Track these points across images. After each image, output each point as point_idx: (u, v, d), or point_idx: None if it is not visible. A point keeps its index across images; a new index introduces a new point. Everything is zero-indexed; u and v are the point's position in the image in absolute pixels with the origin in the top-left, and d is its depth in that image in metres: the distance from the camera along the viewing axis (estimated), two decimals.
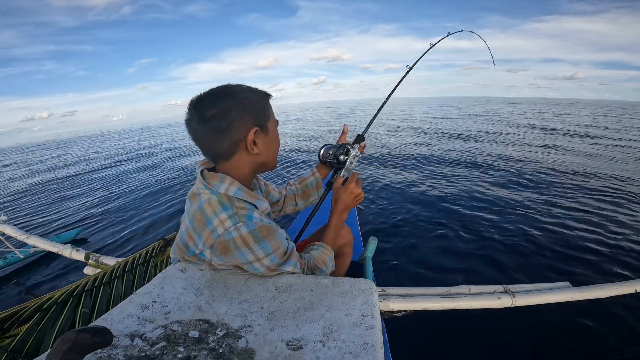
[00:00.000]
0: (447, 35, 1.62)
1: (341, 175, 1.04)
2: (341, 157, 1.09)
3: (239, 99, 0.75)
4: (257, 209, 0.80)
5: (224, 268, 0.78)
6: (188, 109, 0.77)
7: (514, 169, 5.06)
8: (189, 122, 0.77)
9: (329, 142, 1.20)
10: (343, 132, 1.22)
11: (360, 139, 1.21)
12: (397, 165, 5.59)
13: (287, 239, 0.82)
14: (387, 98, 1.47)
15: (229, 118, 0.74)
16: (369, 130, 1.32)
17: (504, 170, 4.98)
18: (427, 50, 1.54)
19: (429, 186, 4.24)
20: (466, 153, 6.43)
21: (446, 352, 1.64)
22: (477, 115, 18.19)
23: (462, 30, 1.65)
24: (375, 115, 1.43)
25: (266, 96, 0.83)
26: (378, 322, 0.63)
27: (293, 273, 0.78)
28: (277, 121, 0.88)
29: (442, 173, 4.88)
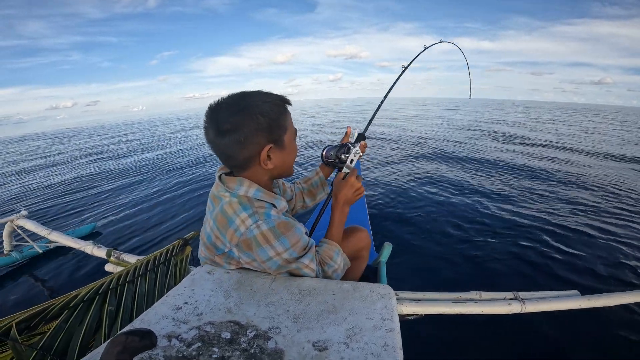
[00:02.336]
0: (439, 42, 1.74)
1: (342, 172, 1.04)
2: (343, 157, 1.11)
3: (254, 115, 0.75)
4: (276, 207, 0.83)
5: (250, 268, 0.82)
6: (205, 117, 0.78)
7: (529, 177, 5.04)
8: (206, 131, 0.78)
9: (331, 143, 1.22)
10: (346, 134, 1.23)
11: (361, 137, 1.22)
12: (412, 168, 5.60)
13: (306, 233, 0.85)
14: (385, 97, 1.53)
15: (242, 135, 0.75)
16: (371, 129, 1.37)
17: (521, 178, 4.95)
18: (421, 52, 1.63)
19: (443, 191, 4.24)
20: (482, 159, 6.39)
21: (456, 355, 1.66)
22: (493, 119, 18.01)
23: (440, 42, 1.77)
24: (375, 114, 1.47)
25: (283, 105, 0.82)
26: (397, 325, 0.66)
27: (309, 268, 0.81)
28: (296, 130, 0.88)
29: (456, 178, 4.87)
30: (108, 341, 0.46)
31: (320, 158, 1.22)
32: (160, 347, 0.57)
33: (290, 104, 0.84)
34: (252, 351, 0.57)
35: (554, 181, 4.72)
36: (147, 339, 0.47)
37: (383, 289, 0.78)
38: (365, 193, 2.69)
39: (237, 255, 0.79)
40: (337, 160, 1.14)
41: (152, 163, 7.72)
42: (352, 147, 1.08)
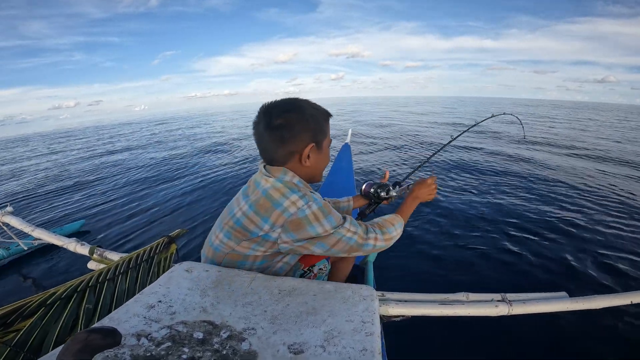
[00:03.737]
0: (491, 117, 1.88)
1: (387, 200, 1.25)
2: (382, 194, 1.24)
3: (304, 115, 0.84)
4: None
5: (284, 248, 0.81)
6: (258, 113, 0.85)
7: (519, 177, 5.05)
8: (256, 125, 0.85)
9: (372, 180, 1.34)
10: (385, 176, 1.35)
11: (398, 184, 1.31)
12: (400, 168, 5.61)
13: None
14: (430, 157, 1.69)
15: (292, 130, 0.82)
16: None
17: (509, 180, 4.97)
18: (472, 126, 1.87)
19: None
20: (470, 160, 6.41)
21: (441, 358, 1.65)
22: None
23: (504, 113, 1.91)
24: (417, 169, 1.62)
25: (327, 115, 0.91)
26: (377, 329, 0.64)
27: (351, 231, 0.84)
28: (331, 140, 0.96)
29: (445, 180, 4.87)
30: (69, 339, 0.44)
31: (358, 190, 1.36)
32: (127, 346, 0.55)
33: (331, 116, 0.94)
34: (224, 352, 0.55)
35: (542, 184, 4.73)
36: (110, 337, 0.45)
37: (366, 290, 0.76)
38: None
39: (276, 237, 0.80)
40: (375, 195, 1.28)
41: (144, 162, 7.67)
42: (392, 189, 1.25)
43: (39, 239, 1.98)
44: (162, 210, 3.98)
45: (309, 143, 0.85)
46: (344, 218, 0.86)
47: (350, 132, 4.26)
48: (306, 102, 0.87)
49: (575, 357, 1.65)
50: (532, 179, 4.97)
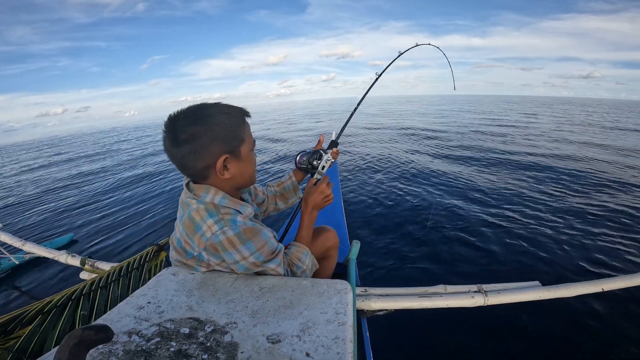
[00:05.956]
0: (415, 46, 1.75)
1: (314, 178, 1.08)
2: (315, 162, 1.15)
3: (210, 125, 0.77)
4: (241, 213, 0.85)
5: (220, 269, 0.86)
6: (164, 127, 0.78)
7: (494, 171, 5.18)
8: (164, 141, 0.79)
9: (305, 149, 1.25)
10: (319, 142, 1.28)
11: (333, 144, 1.27)
12: (377, 168, 5.69)
13: (274, 237, 0.89)
14: (358, 104, 1.57)
15: (198, 144, 0.76)
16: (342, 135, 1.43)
17: (483, 171, 5.09)
18: (396, 58, 1.66)
19: (410, 190, 4.34)
20: (447, 154, 6.53)
21: (424, 349, 1.71)
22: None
23: (429, 44, 1.80)
24: (347, 122, 1.53)
25: (242, 118, 0.84)
26: (350, 319, 0.70)
27: (276, 272, 0.85)
28: (254, 141, 0.89)
29: (420, 175, 4.97)
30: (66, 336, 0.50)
31: (293, 163, 1.25)
32: (120, 343, 0.61)
33: (249, 116, 0.86)
34: (209, 344, 0.61)
35: (515, 173, 4.88)
36: (102, 332, 0.51)
37: (340, 284, 0.82)
38: (342, 193, 2.74)
39: (207, 258, 0.83)
40: (309, 166, 1.18)
41: (129, 170, 7.65)
42: (324, 154, 1.12)
43: (30, 253, 2.01)
44: (150, 219, 4.01)
45: (220, 155, 0.80)
46: (277, 253, 0.85)
47: (334, 133, 4.32)
48: (215, 108, 0.79)
49: (549, 344, 1.73)
50: (504, 171, 5.10)
